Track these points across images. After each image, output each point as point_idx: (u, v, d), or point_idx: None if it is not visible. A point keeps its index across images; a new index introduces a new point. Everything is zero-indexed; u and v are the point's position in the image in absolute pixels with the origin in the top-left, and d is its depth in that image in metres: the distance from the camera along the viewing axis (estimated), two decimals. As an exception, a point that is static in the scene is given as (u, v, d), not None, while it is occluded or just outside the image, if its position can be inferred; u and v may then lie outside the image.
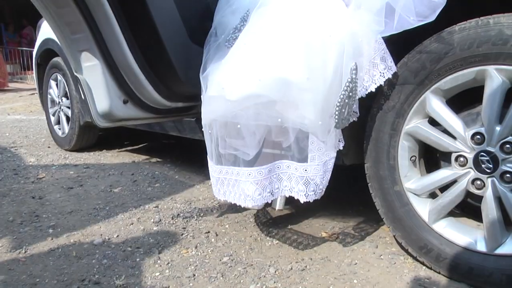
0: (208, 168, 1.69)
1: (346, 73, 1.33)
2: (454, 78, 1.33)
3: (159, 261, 1.64)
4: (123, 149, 3.62)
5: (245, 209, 2.10)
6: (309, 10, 1.40)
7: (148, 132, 4.19)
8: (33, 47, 3.91)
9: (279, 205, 1.81)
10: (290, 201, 1.66)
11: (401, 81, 1.42)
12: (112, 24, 1.47)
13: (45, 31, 3.49)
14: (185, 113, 1.96)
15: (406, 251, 1.55)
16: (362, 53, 1.36)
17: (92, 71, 1.48)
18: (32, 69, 11.51)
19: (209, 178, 2.61)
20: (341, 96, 1.34)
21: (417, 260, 1.53)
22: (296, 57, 1.36)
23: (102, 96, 1.51)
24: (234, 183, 1.54)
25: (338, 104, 1.34)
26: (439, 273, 1.46)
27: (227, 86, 1.45)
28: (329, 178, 1.48)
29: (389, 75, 1.38)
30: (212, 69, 1.57)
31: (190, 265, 1.61)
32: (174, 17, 1.59)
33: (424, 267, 1.52)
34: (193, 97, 1.84)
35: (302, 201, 1.47)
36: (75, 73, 1.52)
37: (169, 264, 1.62)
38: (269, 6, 1.48)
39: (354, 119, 1.46)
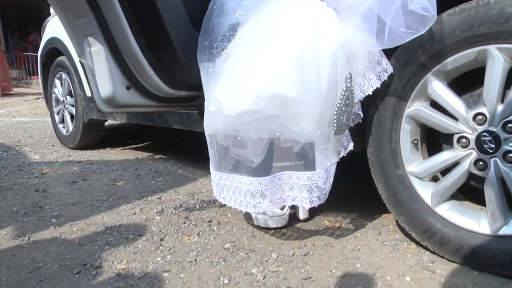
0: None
1: (341, 82, 1.35)
2: (455, 59, 1.33)
3: (161, 248, 1.64)
4: (127, 147, 3.63)
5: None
6: (300, 22, 1.41)
7: (152, 131, 4.22)
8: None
9: (302, 215, 1.84)
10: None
11: (402, 64, 1.42)
12: (116, 9, 1.48)
13: (50, 31, 3.52)
14: (188, 103, 1.96)
15: (409, 236, 1.54)
16: (356, 61, 1.38)
17: (95, 56, 1.49)
18: (37, 74, 11.59)
19: (212, 172, 2.63)
20: (338, 105, 1.36)
21: (421, 245, 1.53)
22: (291, 72, 1.37)
23: (105, 81, 1.52)
24: (235, 189, 1.54)
25: (335, 113, 1.37)
26: (442, 257, 1.45)
27: (224, 102, 1.46)
28: (331, 182, 1.50)
29: (385, 77, 1.41)
30: (208, 83, 1.59)
31: (192, 251, 1.60)
32: (177, 4, 1.60)
33: (427, 252, 1.51)
34: (196, 87, 1.84)
35: (307, 208, 1.51)
36: (79, 58, 1.53)
37: (171, 250, 1.62)
38: (259, 18, 1.49)
39: (358, 121, 1.49)
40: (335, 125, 1.38)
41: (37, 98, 8.63)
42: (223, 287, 1.35)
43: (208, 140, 1.63)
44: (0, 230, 1.85)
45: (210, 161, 1.68)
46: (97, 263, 1.52)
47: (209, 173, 2.64)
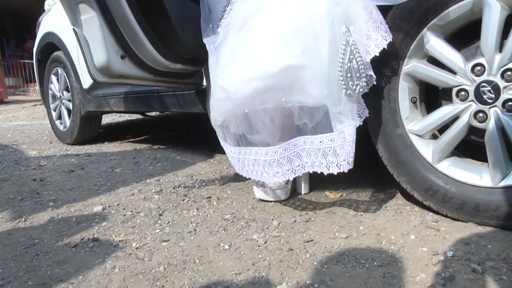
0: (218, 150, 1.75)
1: (340, 37, 1.32)
2: (450, 12, 1.31)
3: (159, 221, 1.61)
4: (125, 141, 3.60)
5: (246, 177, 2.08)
6: None
7: (149, 126, 4.20)
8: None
9: (304, 190, 1.81)
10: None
11: (398, 21, 1.40)
12: (109, -26, 1.46)
13: (46, 26, 3.51)
14: (184, 79, 1.94)
15: (412, 198, 1.51)
16: (354, 17, 1.35)
17: (89, 23, 1.47)
18: (34, 82, 11.54)
19: (211, 157, 2.62)
20: (340, 61, 1.33)
21: (424, 207, 1.50)
22: (286, 34, 1.36)
23: (99, 49, 1.49)
24: (253, 162, 1.56)
25: (339, 69, 1.34)
26: (446, 215, 1.42)
27: (230, 88, 1.48)
28: (351, 149, 1.38)
29: (390, 38, 1.36)
30: (211, 62, 1.62)
31: (191, 223, 1.58)
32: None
33: (431, 213, 1.48)
34: (192, 60, 1.83)
35: (325, 174, 1.41)
36: (72, 27, 1.51)
37: (170, 223, 1.59)
38: None
39: (371, 83, 1.43)
40: (342, 82, 1.34)
41: (34, 105, 8.60)
42: (224, 252, 1.32)
43: (218, 124, 1.67)
44: (-4, 214, 1.83)
45: (222, 141, 1.72)
46: (94, 237, 1.49)
47: (208, 157, 2.65)
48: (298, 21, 1.36)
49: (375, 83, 1.43)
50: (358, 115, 1.43)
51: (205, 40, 1.64)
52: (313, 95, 1.37)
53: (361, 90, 1.36)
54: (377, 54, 1.36)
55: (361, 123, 1.43)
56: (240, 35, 1.48)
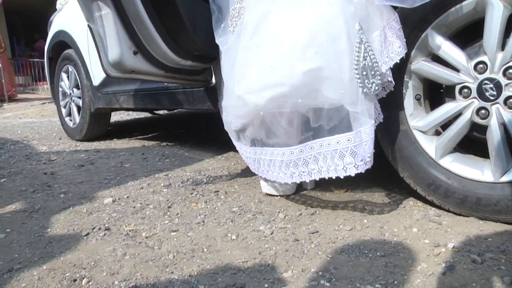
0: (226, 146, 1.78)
1: (354, 35, 1.33)
2: (454, 11, 1.34)
3: (168, 213, 1.66)
4: (134, 138, 3.65)
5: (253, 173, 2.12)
6: None
7: (157, 125, 4.24)
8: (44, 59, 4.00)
9: (309, 185, 1.84)
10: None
11: (403, 20, 1.43)
12: (123, -27, 1.51)
13: (57, 24, 3.57)
14: (194, 76, 1.99)
15: (415, 194, 1.55)
16: (363, 14, 1.35)
17: (104, 20, 1.52)
18: (44, 80, 11.64)
19: (218, 154, 2.66)
20: (356, 59, 1.33)
21: (427, 202, 1.53)
22: (300, 36, 1.37)
23: (113, 45, 1.54)
24: (269, 162, 1.57)
25: (355, 67, 1.34)
26: (448, 210, 1.45)
27: (246, 96, 1.50)
28: (369, 148, 1.38)
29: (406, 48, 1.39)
30: (226, 70, 1.66)
31: (199, 214, 1.62)
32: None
33: (433, 208, 1.51)
34: (202, 57, 1.87)
35: (342, 177, 1.40)
36: (87, 23, 1.56)
37: (179, 215, 1.63)
38: None
39: (389, 89, 1.46)
40: (359, 81, 1.34)
41: (43, 103, 8.70)
42: (231, 242, 1.36)
43: (233, 129, 1.70)
44: (9, 205, 1.88)
45: (237, 142, 1.76)
46: (105, 227, 1.54)
47: (216, 154, 2.69)
48: (312, 21, 1.36)
49: (393, 89, 1.46)
50: (375, 117, 1.43)
51: (217, 41, 1.67)
52: (330, 96, 1.37)
53: (376, 88, 1.36)
54: (398, 61, 1.38)
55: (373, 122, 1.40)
56: (253, 39, 1.48)
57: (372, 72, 1.35)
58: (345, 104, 1.37)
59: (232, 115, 1.66)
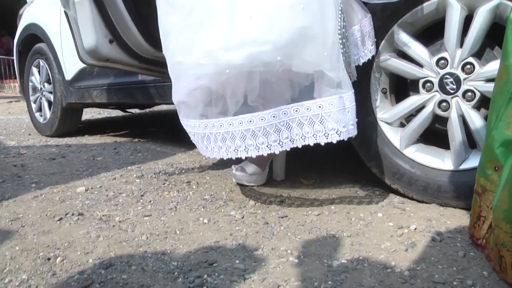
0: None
1: (337, 3, 1.29)
2: (418, 10, 1.43)
3: (141, 201, 1.68)
4: (105, 134, 3.64)
5: (226, 165, 2.16)
6: None
7: (129, 123, 4.22)
8: (11, 56, 3.93)
9: (279, 176, 1.89)
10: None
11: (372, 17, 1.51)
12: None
13: (28, 17, 3.53)
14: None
15: (381, 182, 1.62)
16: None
17: (80, 6, 1.54)
18: (10, 78, 11.30)
19: (190, 149, 2.68)
20: (339, 23, 1.29)
21: (392, 190, 1.61)
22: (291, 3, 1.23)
23: (89, 32, 1.56)
24: (224, 137, 1.34)
25: (339, 31, 1.27)
26: (411, 198, 1.53)
27: (219, 52, 1.27)
28: (351, 115, 1.29)
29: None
30: (189, 22, 1.35)
31: (172, 202, 1.65)
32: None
33: (398, 196, 1.59)
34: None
35: (322, 143, 1.27)
36: (63, 8, 1.57)
37: (151, 202, 1.66)
38: None
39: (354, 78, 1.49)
40: (341, 46, 1.29)
41: (10, 102, 8.48)
42: (203, 225, 1.40)
43: (182, 101, 1.48)
44: (-22, 193, 1.86)
45: (185, 117, 1.52)
46: (79, 212, 1.55)
47: (189, 149, 2.71)
48: None
49: (355, 79, 1.52)
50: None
51: None
52: (311, 57, 1.26)
53: (348, 61, 1.35)
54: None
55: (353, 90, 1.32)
56: None
57: (348, 43, 1.37)
58: (324, 70, 1.26)
59: (188, 76, 1.38)
